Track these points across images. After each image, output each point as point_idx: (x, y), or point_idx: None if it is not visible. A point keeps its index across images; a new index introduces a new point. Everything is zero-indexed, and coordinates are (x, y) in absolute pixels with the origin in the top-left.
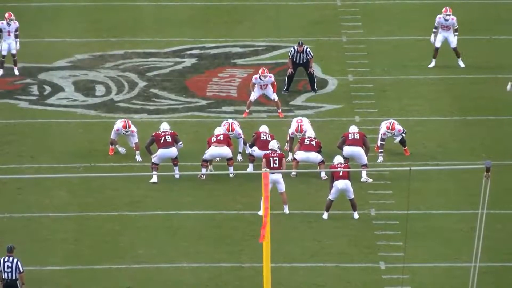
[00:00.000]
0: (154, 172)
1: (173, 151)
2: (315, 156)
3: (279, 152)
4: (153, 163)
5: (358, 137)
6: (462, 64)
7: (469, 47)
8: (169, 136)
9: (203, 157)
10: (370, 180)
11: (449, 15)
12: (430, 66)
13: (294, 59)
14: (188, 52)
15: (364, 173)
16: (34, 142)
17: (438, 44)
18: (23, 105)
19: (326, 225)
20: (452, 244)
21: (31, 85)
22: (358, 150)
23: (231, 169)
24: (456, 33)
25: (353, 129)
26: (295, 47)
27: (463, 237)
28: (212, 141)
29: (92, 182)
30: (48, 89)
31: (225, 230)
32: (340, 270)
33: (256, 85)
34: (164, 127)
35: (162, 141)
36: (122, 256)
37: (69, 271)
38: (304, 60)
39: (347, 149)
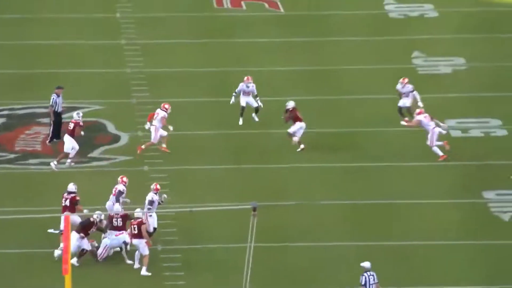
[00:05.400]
0: None
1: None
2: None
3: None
4: None
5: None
6: (256, 119)
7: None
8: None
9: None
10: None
11: (250, 83)
12: (240, 123)
13: (55, 108)
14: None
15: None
16: None
17: (243, 104)
18: None
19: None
20: (227, 274)
21: None
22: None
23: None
24: (257, 98)
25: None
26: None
27: (237, 268)
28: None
29: None
30: None
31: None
32: None
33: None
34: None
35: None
36: None
37: None
38: (60, 109)
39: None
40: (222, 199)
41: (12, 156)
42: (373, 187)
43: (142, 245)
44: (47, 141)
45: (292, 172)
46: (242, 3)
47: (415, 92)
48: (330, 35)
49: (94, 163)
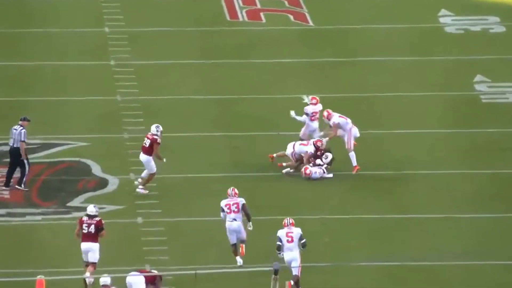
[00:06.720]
0: None
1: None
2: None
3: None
4: None
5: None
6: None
7: None
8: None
9: None
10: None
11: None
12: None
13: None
14: None
15: None
16: None
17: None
18: None
19: None
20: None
21: None
22: None
23: None
24: None
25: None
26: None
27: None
28: None
29: None
30: None
31: None
32: None
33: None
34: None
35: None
36: None
37: None
38: (15, 145)
39: None
40: (233, 259)
41: None
42: (422, 244)
43: None
44: (21, 185)
45: (325, 224)
46: (261, 14)
47: (305, 117)
48: (370, 54)
49: (75, 214)
